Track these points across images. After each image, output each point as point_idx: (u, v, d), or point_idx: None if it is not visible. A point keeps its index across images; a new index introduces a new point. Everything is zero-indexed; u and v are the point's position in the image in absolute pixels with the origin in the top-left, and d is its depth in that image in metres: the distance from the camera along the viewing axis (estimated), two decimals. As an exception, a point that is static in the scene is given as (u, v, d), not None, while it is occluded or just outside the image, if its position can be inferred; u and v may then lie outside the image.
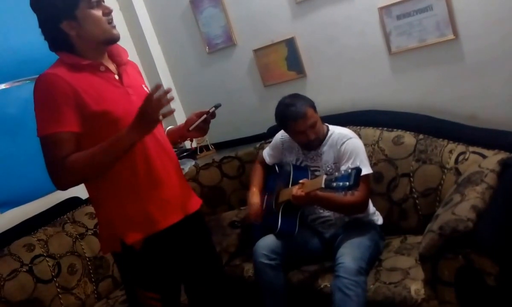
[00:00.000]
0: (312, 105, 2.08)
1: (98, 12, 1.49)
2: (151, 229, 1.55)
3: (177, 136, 1.79)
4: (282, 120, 2.11)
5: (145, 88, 1.69)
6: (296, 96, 2.13)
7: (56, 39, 1.50)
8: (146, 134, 1.47)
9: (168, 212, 1.59)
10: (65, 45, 1.50)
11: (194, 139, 2.95)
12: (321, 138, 2.11)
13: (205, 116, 1.63)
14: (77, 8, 1.45)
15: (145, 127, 1.44)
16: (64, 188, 1.50)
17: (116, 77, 1.57)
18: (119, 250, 1.56)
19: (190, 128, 1.65)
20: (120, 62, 1.61)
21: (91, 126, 1.46)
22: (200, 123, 1.64)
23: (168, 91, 1.44)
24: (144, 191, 1.55)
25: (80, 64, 1.48)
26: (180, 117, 3.06)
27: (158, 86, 1.41)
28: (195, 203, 1.73)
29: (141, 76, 1.77)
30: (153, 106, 1.39)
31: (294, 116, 2.04)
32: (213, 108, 1.65)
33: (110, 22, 1.52)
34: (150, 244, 1.56)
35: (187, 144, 3.23)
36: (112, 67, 1.59)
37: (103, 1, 1.52)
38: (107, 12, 1.51)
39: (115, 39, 1.55)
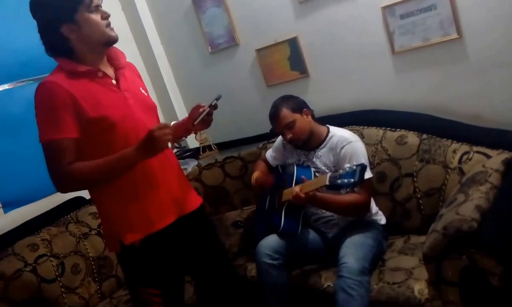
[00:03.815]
0: (291, 106, 2.12)
1: (96, 16, 1.52)
2: (148, 230, 1.59)
3: (183, 131, 1.83)
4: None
5: (143, 91, 1.71)
6: (282, 98, 2.19)
7: (56, 43, 1.53)
8: (151, 157, 1.53)
9: (165, 212, 1.62)
10: (64, 50, 1.53)
11: (197, 139, 2.97)
12: (304, 139, 2.13)
13: (208, 109, 1.68)
14: (77, 12, 1.49)
15: (150, 152, 1.50)
16: (65, 191, 1.59)
17: (114, 81, 1.60)
18: (119, 250, 1.61)
19: (195, 122, 1.69)
20: (118, 66, 1.64)
21: (89, 132, 1.50)
22: (205, 116, 1.69)
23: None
24: (142, 192, 1.59)
25: (79, 71, 1.52)
26: (182, 117, 3.06)
27: (163, 127, 1.47)
28: (195, 202, 1.76)
29: (140, 78, 1.79)
30: (160, 135, 1.45)
31: (270, 117, 2.17)
32: (215, 101, 1.70)
33: (108, 25, 1.55)
34: (148, 242, 1.59)
35: (189, 143, 3.24)
36: (110, 71, 1.62)
37: (101, 6, 1.55)
38: (105, 16, 1.55)
39: (113, 40, 1.58)
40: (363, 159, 2.02)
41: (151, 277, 1.63)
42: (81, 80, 1.51)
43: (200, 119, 1.68)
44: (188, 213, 1.69)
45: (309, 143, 2.15)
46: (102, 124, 1.51)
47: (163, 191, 1.62)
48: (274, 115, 2.13)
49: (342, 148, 2.06)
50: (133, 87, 1.66)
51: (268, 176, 2.31)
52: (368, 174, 1.97)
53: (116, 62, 1.65)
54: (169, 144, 1.49)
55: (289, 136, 2.11)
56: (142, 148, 1.48)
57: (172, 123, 1.82)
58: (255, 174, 2.33)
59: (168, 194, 1.64)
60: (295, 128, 2.09)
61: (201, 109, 1.70)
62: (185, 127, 1.80)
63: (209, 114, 1.70)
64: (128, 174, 1.54)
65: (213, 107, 1.70)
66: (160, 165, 1.62)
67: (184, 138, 1.95)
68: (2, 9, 2.53)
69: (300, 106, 2.14)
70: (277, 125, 2.14)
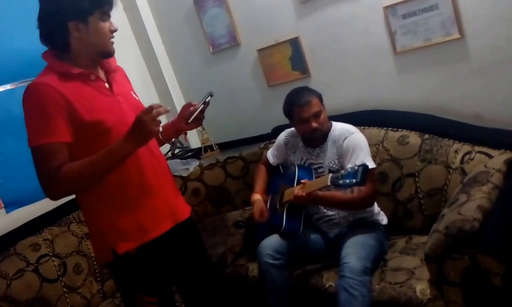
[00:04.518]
0: (319, 96, 2.12)
1: (105, 26, 1.50)
2: (143, 238, 1.55)
3: (173, 131, 1.79)
4: (289, 106, 2.14)
5: (134, 95, 1.68)
6: (305, 87, 2.19)
7: (55, 34, 1.47)
8: (142, 146, 1.46)
9: (159, 221, 1.59)
10: (60, 43, 1.48)
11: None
12: (325, 132, 2.12)
13: (202, 106, 1.65)
14: (92, 15, 1.45)
15: (141, 139, 1.43)
16: (55, 198, 1.49)
17: (106, 85, 1.56)
18: (111, 260, 1.56)
19: (189, 121, 1.66)
20: (109, 69, 1.61)
21: (82, 136, 1.45)
22: (197, 114, 1.66)
23: (161, 111, 1.40)
24: (135, 201, 1.55)
25: (71, 73, 1.47)
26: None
27: (150, 110, 1.39)
28: (186, 210, 1.73)
29: (129, 81, 1.75)
30: (149, 119, 1.38)
31: (300, 103, 2.08)
32: (209, 97, 1.67)
33: (112, 38, 1.53)
34: (144, 250, 1.56)
35: (191, 143, 3.24)
36: (101, 74, 1.58)
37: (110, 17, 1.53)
38: (113, 30, 1.52)
39: (110, 55, 1.56)
40: (365, 149, 2.03)
41: (147, 285, 1.60)
42: (74, 83, 1.46)
43: (194, 117, 1.65)
44: (181, 222, 1.67)
45: (320, 139, 2.14)
46: (96, 129, 1.45)
47: (157, 197, 1.58)
48: (307, 100, 2.07)
49: (344, 140, 2.06)
50: (125, 92, 1.63)
51: (265, 212, 2.22)
52: (371, 164, 1.97)
53: (107, 65, 1.61)
54: (160, 128, 1.41)
55: (315, 125, 2.07)
56: (132, 136, 1.41)
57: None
58: (256, 200, 2.27)
59: (163, 201, 1.60)
60: (321, 118, 2.08)
61: (192, 108, 1.67)
62: (176, 128, 1.76)
63: (202, 112, 1.67)
64: (122, 181, 1.51)
65: (206, 104, 1.67)
66: (154, 171, 1.58)
67: (174, 138, 1.90)
68: (4, 9, 2.53)
69: (322, 99, 2.14)
70: (307, 111, 2.07)
